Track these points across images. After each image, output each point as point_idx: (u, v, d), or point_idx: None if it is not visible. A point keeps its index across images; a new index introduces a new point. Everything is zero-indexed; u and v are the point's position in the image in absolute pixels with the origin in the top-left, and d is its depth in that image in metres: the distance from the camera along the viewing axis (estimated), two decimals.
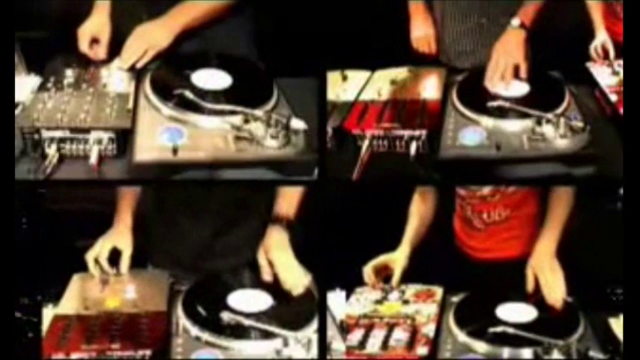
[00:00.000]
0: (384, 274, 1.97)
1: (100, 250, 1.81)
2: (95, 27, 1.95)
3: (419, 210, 2.08)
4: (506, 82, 1.86)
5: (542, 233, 1.86)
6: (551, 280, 1.78)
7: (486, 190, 1.97)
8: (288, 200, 1.81)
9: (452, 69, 2.07)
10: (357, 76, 2.07)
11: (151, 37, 1.88)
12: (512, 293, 1.79)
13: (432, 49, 2.19)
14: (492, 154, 1.64)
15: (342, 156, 1.74)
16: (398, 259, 1.98)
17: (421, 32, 2.18)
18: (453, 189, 2.07)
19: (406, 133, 1.72)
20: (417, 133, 1.71)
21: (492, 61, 1.90)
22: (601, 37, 2.14)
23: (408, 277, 1.96)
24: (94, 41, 1.94)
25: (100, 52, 1.93)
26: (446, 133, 1.71)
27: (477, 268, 2.06)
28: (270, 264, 1.76)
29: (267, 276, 1.76)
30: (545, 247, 1.83)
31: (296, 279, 1.74)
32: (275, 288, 1.73)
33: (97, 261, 1.80)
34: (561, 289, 1.77)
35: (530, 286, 1.80)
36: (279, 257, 1.76)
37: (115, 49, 1.94)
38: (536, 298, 1.78)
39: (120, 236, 1.84)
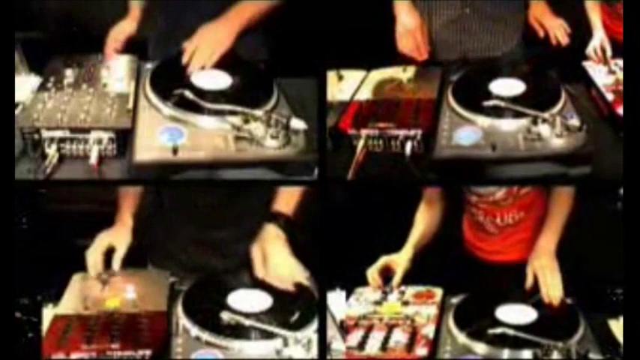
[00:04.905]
0: (385, 274, 1.97)
1: (95, 246, 1.80)
2: (127, 30, 2.06)
3: (424, 218, 2.08)
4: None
5: (542, 232, 1.88)
6: (550, 279, 1.79)
7: (498, 194, 1.96)
8: (287, 198, 1.80)
9: (446, 69, 2.04)
10: (352, 76, 2.06)
11: (216, 38, 1.86)
12: (512, 294, 1.79)
13: (419, 45, 2.03)
14: (488, 153, 1.63)
15: (337, 156, 1.73)
16: (400, 260, 1.98)
17: (405, 27, 2.03)
18: (461, 195, 2.06)
19: (401, 132, 1.72)
20: (412, 132, 1.71)
21: None
22: (599, 38, 2.14)
23: (415, 279, 1.96)
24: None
25: (116, 48, 2.01)
26: (441, 133, 1.70)
27: (487, 270, 2.06)
28: (264, 261, 1.75)
29: (258, 272, 1.75)
30: (546, 246, 1.85)
31: (286, 278, 1.72)
32: (275, 288, 1.72)
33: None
34: (559, 288, 1.78)
35: (529, 283, 1.81)
36: (273, 255, 1.75)
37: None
38: (536, 299, 1.78)
39: (117, 235, 1.84)
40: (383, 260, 1.97)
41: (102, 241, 1.81)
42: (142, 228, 1.90)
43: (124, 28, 2.08)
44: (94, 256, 1.79)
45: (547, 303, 1.76)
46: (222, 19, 1.88)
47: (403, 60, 2.07)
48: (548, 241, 1.86)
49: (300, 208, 1.81)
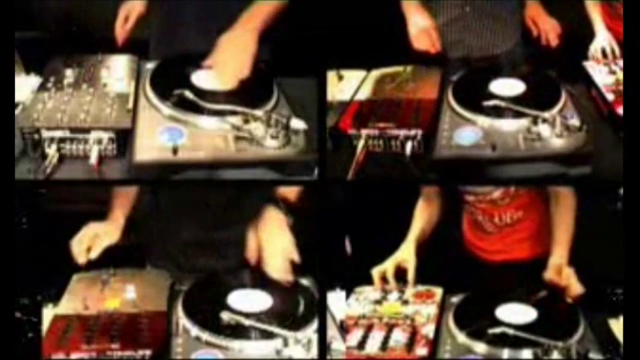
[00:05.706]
0: (398, 275, 1.96)
1: (81, 236, 1.76)
2: (138, 7, 2.08)
3: (423, 214, 2.07)
4: None
5: (553, 249, 1.86)
6: (568, 282, 1.79)
7: (496, 193, 1.97)
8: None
9: (447, 69, 2.04)
10: (352, 76, 2.06)
11: (241, 45, 1.78)
12: (512, 294, 1.79)
13: (434, 42, 2.05)
14: (488, 153, 1.63)
15: (337, 156, 1.73)
16: (408, 257, 1.96)
17: (419, 27, 2.05)
18: (459, 194, 2.06)
19: (401, 132, 1.72)
20: (412, 132, 1.71)
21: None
22: (604, 38, 2.14)
23: (416, 278, 1.95)
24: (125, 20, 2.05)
25: (127, 28, 2.03)
26: (441, 133, 1.70)
27: (487, 269, 2.06)
28: (259, 244, 1.75)
29: (250, 256, 1.75)
30: (560, 262, 1.84)
31: (279, 265, 1.72)
32: (275, 288, 1.72)
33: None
34: (579, 287, 1.79)
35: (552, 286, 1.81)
36: (268, 238, 1.75)
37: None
38: (538, 298, 1.78)
39: (105, 228, 1.79)
40: (393, 261, 1.95)
41: (89, 229, 1.77)
42: (138, 228, 1.89)
43: (135, 5, 2.07)
44: (78, 245, 1.75)
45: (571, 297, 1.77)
46: (238, 26, 1.80)
47: (413, 57, 2.07)
48: (561, 257, 1.85)
49: (302, 196, 1.80)
